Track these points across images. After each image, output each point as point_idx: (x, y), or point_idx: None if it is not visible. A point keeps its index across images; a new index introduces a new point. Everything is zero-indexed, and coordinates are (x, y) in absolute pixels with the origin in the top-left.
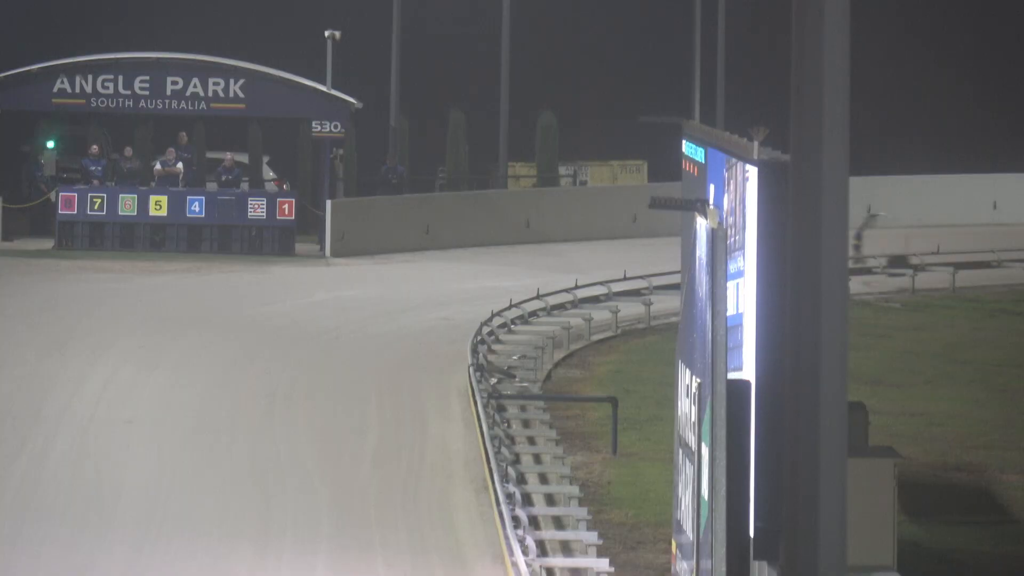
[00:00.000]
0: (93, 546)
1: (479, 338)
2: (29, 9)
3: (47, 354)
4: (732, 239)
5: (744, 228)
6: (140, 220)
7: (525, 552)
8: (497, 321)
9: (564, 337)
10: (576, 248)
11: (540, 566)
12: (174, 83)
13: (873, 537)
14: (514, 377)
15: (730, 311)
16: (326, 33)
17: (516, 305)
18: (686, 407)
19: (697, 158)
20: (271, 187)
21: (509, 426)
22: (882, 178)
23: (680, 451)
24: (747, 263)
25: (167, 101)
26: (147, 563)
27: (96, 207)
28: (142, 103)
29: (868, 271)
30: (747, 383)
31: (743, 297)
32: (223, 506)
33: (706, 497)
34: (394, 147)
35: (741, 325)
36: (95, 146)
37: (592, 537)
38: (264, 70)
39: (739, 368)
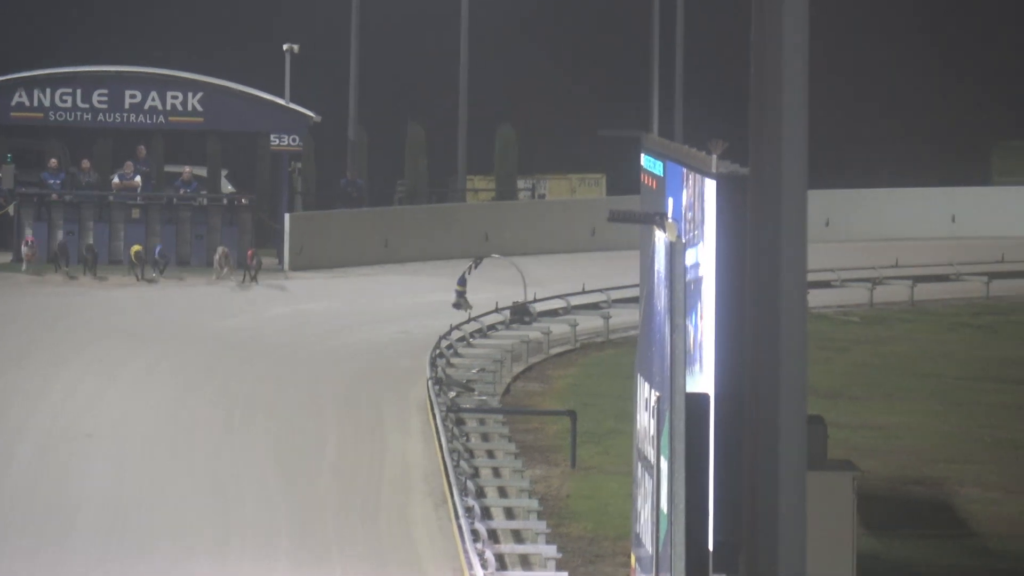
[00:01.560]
0: (53, 559)
1: (438, 351)
2: None
3: (6, 368)
4: (690, 234)
5: (703, 223)
6: (101, 233)
7: (484, 566)
8: (456, 335)
9: (523, 350)
10: (535, 261)
11: None
12: (132, 96)
13: (832, 550)
14: (473, 390)
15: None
16: (284, 46)
17: (475, 319)
18: (645, 420)
19: (656, 172)
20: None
21: (468, 439)
22: (841, 191)
23: (639, 464)
24: (704, 256)
25: (125, 115)
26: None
27: (56, 222)
28: (100, 116)
29: (827, 284)
30: (706, 396)
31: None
32: (182, 520)
33: (665, 510)
34: (353, 160)
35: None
36: (53, 159)
37: (551, 551)
38: (222, 83)
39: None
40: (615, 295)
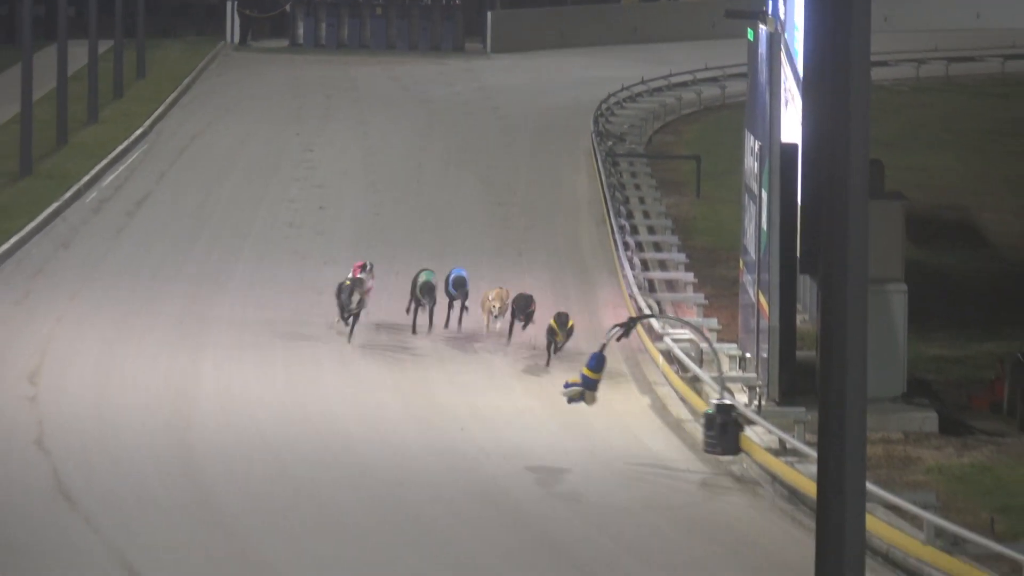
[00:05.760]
0: (319, 263)
1: (599, 112)
2: None
3: (286, 125)
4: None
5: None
6: (353, 25)
7: (632, 267)
8: (612, 100)
9: (661, 111)
10: (669, 47)
11: (644, 278)
12: None
13: (887, 258)
14: (624, 140)
15: None
16: None
17: (626, 88)
18: (751, 163)
19: None
20: None
21: (621, 177)
22: None
23: (746, 195)
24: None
25: None
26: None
27: (321, 14)
28: None
29: (884, 64)
30: (795, 146)
31: None
32: (411, 236)
33: (765, 228)
34: None
35: None
36: None
37: (682, 257)
38: None
39: None
40: (729, 71)
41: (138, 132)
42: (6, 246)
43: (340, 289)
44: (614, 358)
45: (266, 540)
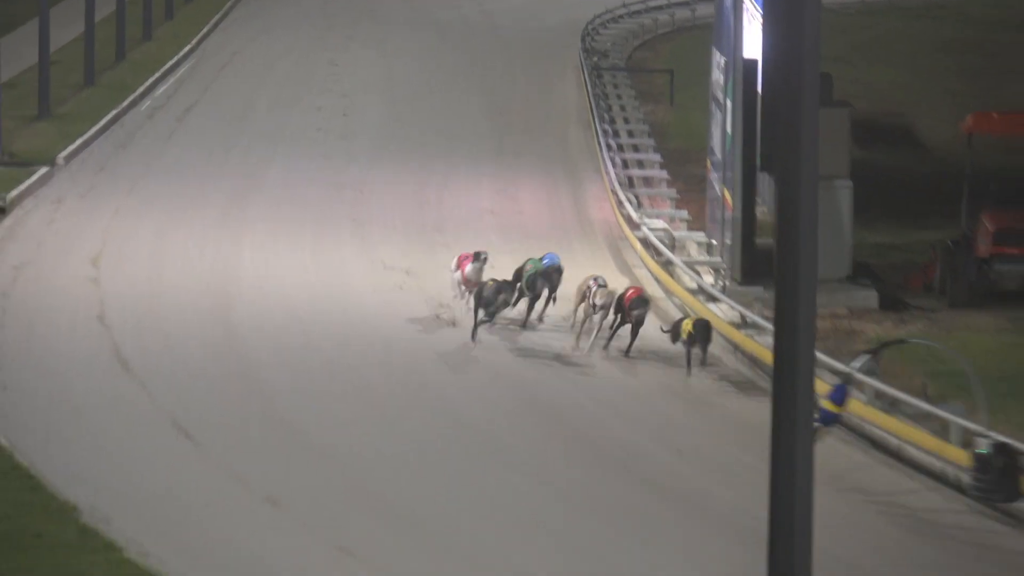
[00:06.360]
0: (343, 162)
1: (586, 31)
2: None
3: (315, 43)
4: None
5: None
6: None
7: (614, 165)
8: (597, 21)
9: (640, 31)
10: None
11: (624, 175)
12: None
13: (835, 157)
14: (608, 56)
15: None
16: None
17: (609, 11)
18: (716, 74)
19: None
20: None
21: (605, 88)
22: None
23: (713, 104)
24: None
25: None
26: (380, 169)
27: None
28: None
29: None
30: (755, 61)
31: None
32: (421, 145)
33: (729, 132)
34: None
35: None
36: None
37: (657, 157)
38: None
39: None
40: None
41: (186, 49)
42: (72, 147)
43: (484, 289)
44: (597, 245)
45: (298, 404)
